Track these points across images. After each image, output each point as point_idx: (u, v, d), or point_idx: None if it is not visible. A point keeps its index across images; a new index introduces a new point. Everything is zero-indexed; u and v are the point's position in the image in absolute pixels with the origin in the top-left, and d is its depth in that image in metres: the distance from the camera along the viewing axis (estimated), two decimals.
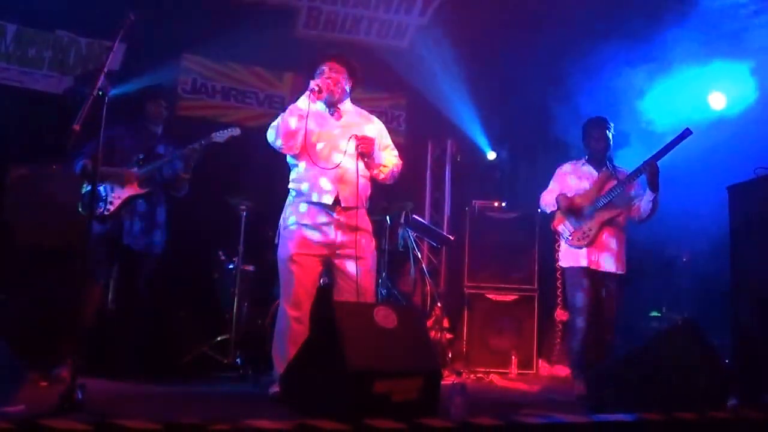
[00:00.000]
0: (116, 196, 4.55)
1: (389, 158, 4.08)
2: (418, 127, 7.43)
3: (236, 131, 4.75)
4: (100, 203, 4.52)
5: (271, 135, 3.90)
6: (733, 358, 4.12)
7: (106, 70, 3.33)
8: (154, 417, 2.42)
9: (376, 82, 6.96)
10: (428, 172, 7.57)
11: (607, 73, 5.90)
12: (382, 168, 4.02)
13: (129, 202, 4.55)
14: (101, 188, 4.55)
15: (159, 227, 4.72)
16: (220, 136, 4.67)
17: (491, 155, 7.56)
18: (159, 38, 6.05)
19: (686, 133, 4.31)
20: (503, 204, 6.44)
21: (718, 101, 5.95)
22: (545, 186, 4.90)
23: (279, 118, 3.91)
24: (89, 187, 4.59)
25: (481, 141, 7.50)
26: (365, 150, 3.88)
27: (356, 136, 3.89)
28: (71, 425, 2.26)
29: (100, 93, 3.24)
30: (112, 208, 4.53)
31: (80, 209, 4.63)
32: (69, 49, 6.23)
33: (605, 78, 5.88)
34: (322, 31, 6.92)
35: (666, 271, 6.30)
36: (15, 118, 5.75)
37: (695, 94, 5.94)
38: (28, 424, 2.24)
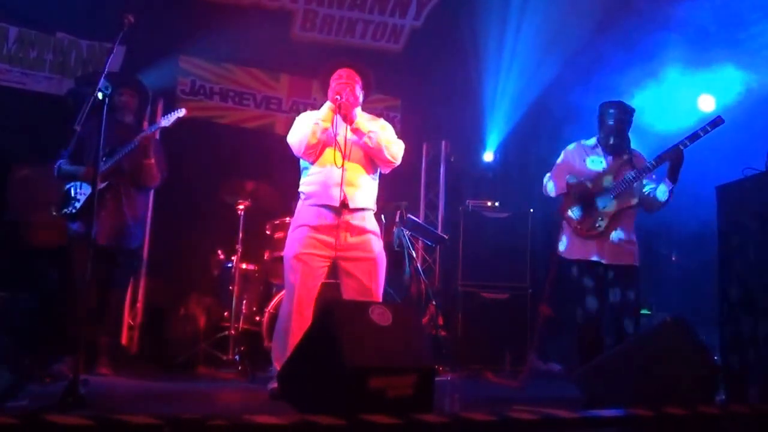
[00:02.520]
0: (82, 193, 4.59)
1: (389, 134, 4.04)
2: (413, 128, 7.44)
3: (182, 112, 4.71)
4: (71, 202, 4.57)
5: (295, 144, 3.94)
6: (721, 355, 4.17)
7: (106, 71, 3.36)
8: (154, 412, 2.47)
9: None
10: (423, 173, 7.60)
11: (602, 73, 5.96)
12: (370, 134, 3.95)
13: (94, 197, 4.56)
14: (71, 187, 4.61)
15: (132, 221, 4.71)
16: (167, 120, 4.68)
17: (488, 156, 7.60)
18: (158, 40, 6.09)
19: (718, 120, 4.19)
20: (496, 204, 6.49)
21: (707, 103, 6.01)
22: (538, 186, 4.81)
23: (302, 125, 3.94)
24: (66, 188, 4.64)
25: (476, 142, 7.55)
26: (344, 103, 3.89)
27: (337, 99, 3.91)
28: (74, 420, 2.29)
29: (101, 94, 3.28)
30: (78, 204, 4.57)
31: (54, 211, 4.67)
32: (70, 52, 6.26)
33: (599, 78, 5.94)
34: (318, 34, 6.97)
35: (655, 269, 6.35)
36: (18, 119, 5.79)
37: (685, 96, 6.00)
38: (31, 419, 2.26)
